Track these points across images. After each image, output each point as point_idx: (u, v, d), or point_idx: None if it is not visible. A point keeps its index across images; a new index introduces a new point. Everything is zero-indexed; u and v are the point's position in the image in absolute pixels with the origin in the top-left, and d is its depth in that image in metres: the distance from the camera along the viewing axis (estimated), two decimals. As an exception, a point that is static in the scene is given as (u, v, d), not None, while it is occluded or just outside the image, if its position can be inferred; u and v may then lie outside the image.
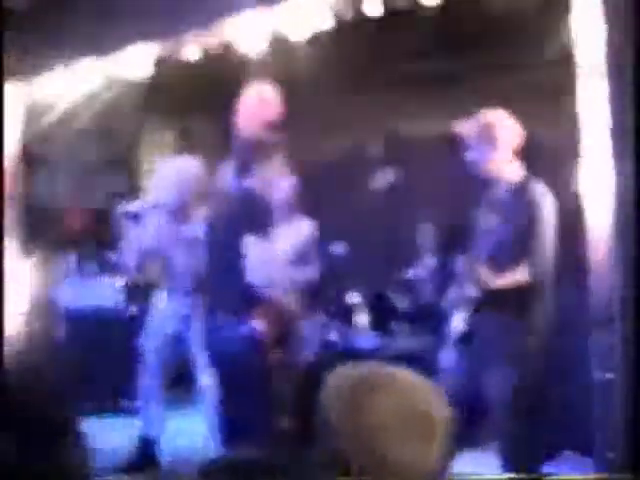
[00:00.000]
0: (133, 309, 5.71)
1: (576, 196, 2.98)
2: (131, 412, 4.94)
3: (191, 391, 4.67)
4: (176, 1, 4.01)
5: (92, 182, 6.64)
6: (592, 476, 3.11)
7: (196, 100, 5.95)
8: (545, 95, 4.31)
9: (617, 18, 2.86)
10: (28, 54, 4.29)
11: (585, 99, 2.95)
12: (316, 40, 3.75)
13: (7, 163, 4.44)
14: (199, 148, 5.23)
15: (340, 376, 1.45)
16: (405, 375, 1.45)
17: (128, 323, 5.43)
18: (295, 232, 4.63)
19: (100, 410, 5.26)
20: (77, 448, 2.36)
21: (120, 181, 6.74)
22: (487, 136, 3.51)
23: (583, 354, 2.95)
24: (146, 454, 4.55)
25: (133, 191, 6.27)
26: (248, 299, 4.03)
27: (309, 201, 5.08)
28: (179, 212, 4.56)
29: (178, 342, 4.53)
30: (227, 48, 3.91)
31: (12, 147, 4.53)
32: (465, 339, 3.46)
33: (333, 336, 5.09)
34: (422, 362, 4.08)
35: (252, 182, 4.20)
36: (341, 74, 4.98)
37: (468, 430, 3.52)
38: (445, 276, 3.77)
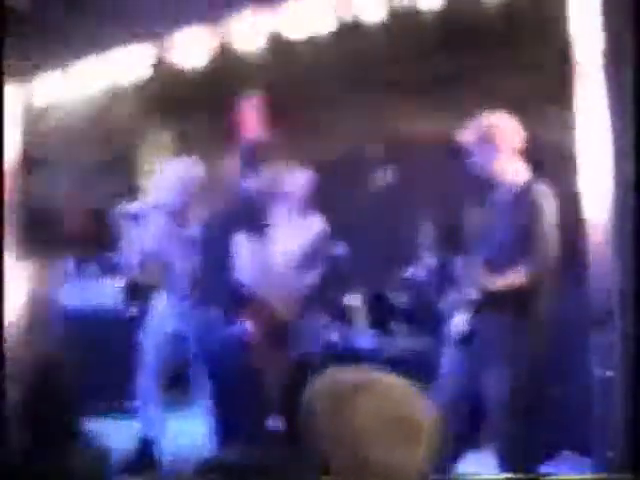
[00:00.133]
0: (133, 310, 5.71)
1: (576, 195, 2.98)
2: (130, 413, 4.94)
3: (190, 392, 4.68)
4: (176, 3, 4.02)
5: (92, 183, 6.63)
6: (591, 476, 3.11)
7: (195, 101, 5.95)
8: (545, 95, 4.31)
9: (616, 18, 2.86)
10: (28, 55, 4.30)
11: (585, 99, 2.96)
12: (316, 41, 3.75)
13: (7, 164, 4.44)
14: (198, 149, 5.23)
15: (324, 380, 1.45)
16: (389, 379, 1.45)
17: (127, 323, 5.43)
18: (306, 229, 4.67)
19: (100, 411, 5.26)
20: (83, 449, 2.37)
21: (120, 182, 6.73)
22: (489, 139, 3.51)
23: (582, 353, 2.95)
24: (145, 455, 4.55)
25: (133, 192, 6.27)
26: (239, 299, 4.03)
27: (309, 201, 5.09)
28: (179, 213, 4.56)
29: (177, 342, 4.54)
30: (227, 49, 3.91)
31: (12, 148, 4.54)
32: (465, 340, 3.45)
33: (332, 336, 5.09)
34: (421, 362, 4.09)
35: (254, 182, 4.20)
36: (341, 74, 4.99)
37: (468, 430, 3.53)
38: (445, 277, 3.77)
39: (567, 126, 3.08)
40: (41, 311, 5.14)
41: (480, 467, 3.62)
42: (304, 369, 4.10)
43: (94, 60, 4.27)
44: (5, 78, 4.22)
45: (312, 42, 3.77)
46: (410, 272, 5.36)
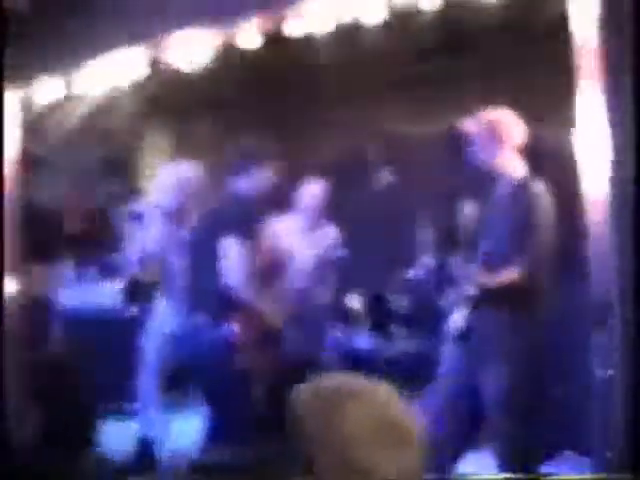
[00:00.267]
0: (133, 310, 5.71)
1: (576, 194, 2.99)
2: (130, 414, 4.94)
3: (189, 393, 4.68)
4: (175, 4, 4.02)
5: (92, 184, 6.64)
6: (591, 476, 3.12)
7: (195, 102, 5.95)
8: (545, 95, 4.31)
9: (616, 19, 2.87)
10: (28, 56, 4.30)
11: (585, 98, 2.97)
12: (317, 41, 3.76)
13: (7, 164, 4.44)
14: (198, 150, 5.24)
15: (313, 385, 1.46)
16: (376, 386, 1.46)
17: (127, 324, 5.43)
18: (320, 239, 4.76)
19: (100, 412, 5.26)
20: (89, 449, 2.38)
21: (119, 183, 6.74)
22: (492, 133, 3.52)
23: (583, 353, 2.96)
24: (145, 455, 4.55)
25: (133, 193, 6.28)
26: (227, 303, 4.03)
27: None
28: (178, 215, 4.57)
29: (176, 344, 4.54)
30: (226, 49, 3.91)
31: (12, 148, 4.54)
32: (463, 336, 3.45)
33: (332, 337, 5.10)
34: (421, 363, 4.10)
35: (245, 183, 4.20)
36: (342, 74, 4.99)
37: (468, 429, 3.53)
38: (443, 275, 3.77)
39: (567, 125, 3.09)
40: (41, 312, 5.15)
41: (480, 467, 3.62)
42: (300, 371, 4.10)
43: (94, 61, 4.27)
44: (5, 79, 4.22)
45: (312, 42, 3.77)
46: (410, 273, 5.37)
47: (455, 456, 3.49)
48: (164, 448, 4.58)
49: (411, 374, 3.84)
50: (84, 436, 4.65)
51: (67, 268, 6.19)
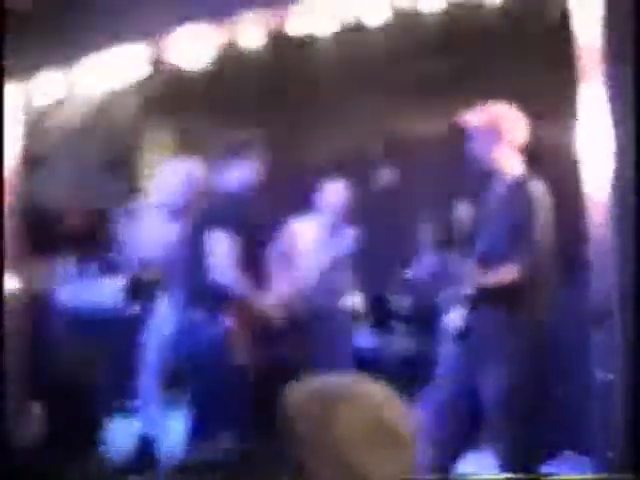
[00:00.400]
0: (134, 309, 5.71)
1: (577, 193, 2.98)
2: (131, 412, 4.94)
3: (186, 390, 4.67)
4: (177, 2, 4.02)
5: (93, 182, 6.64)
6: (592, 476, 3.11)
7: (197, 101, 5.95)
8: (546, 94, 4.31)
9: (617, 18, 2.86)
10: (29, 54, 4.29)
11: (586, 99, 2.96)
12: (318, 41, 3.75)
13: (7, 163, 4.44)
14: (199, 149, 5.23)
15: (304, 388, 1.45)
16: (371, 386, 1.45)
17: (128, 323, 5.43)
18: (340, 240, 4.81)
19: (102, 411, 5.26)
20: (90, 449, 2.37)
21: (121, 181, 6.74)
22: (491, 128, 3.49)
23: (583, 354, 2.95)
24: (145, 454, 4.55)
25: (133, 191, 6.27)
26: (222, 298, 4.02)
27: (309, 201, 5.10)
28: (180, 213, 4.57)
29: (177, 341, 4.53)
30: (228, 48, 3.91)
31: (13, 146, 4.54)
32: (461, 336, 3.45)
33: (333, 335, 5.09)
34: (421, 361, 4.09)
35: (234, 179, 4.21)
36: (342, 74, 4.99)
37: (468, 429, 3.52)
38: (442, 274, 3.76)
39: (569, 125, 3.08)
40: (42, 311, 5.15)
41: (480, 467, 3.61)
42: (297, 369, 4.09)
43: (95, 59, 4.27)
44: (6, 77, 4.22)
45: (314, 42, 3.76)
46: (410, 272, 5.37)
47: (455, 456, 3.49)
48: (164, 446, 4.59)
49: (411, 374, 3.84)
50: (85, 435, 4.65)
51: (68, 266, 6.19)
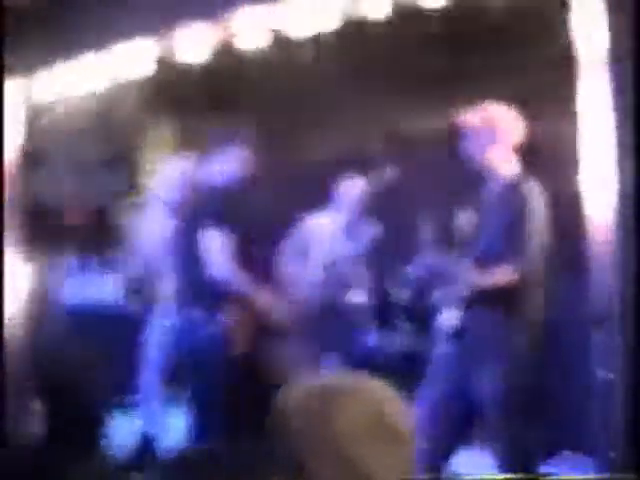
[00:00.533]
0: (134, 306, 5.71)
1: (577, 194, 2.97)
2: (132, 408, 4.95)
3: (186, 387, 4.68)
4: (177, -1, 4.02)
5: (93, 180, 6.63)
6: (594, 476, 3.11)
7: (197, 98, 5.94)
8: (546, 95, 4.29)
9: (618, 17, 2.85)
10: (29, 52, 4.29)
11: (586, 98, 2.95)
12: (317, 39, 3.74)
13: (7, 162, 4.44)
14: (199, 146, 5.22)
15: (302, 386, 1.45)
16: (369, 382, 1.44)
17: (129, 320, 5.43)
18: (360, 235, 4.83)
19: (103, 408, 5.26)
20: (92, 446, 2.36)
21: (122, 178, 6.74)
22: (487, 128, 3.49)
23: (584, 353, 2.95)
24: (146, 451, 4.56)
25: (134, 188, 6.28)
26: (219, 296, 4.02)
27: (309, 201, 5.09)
28: (179, 209, 4.57)
29: (177, 338, 4.53)
30: (229, 46, 3.90)
31: (13, 146, 4.53)
32: (456, 336, 3.45)
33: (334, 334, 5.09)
34: (420, 360, 4.08)
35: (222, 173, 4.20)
36: (341, 74, 4.98)
37: (464, 429, 3.52)
38: (440, 273, 3.75)
39: (569, 125, 3.07)
40: (43, 308, 5.15)
41: (478, 467, 3.61)
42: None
43: (95, 57, 4.26)
44: (6, 75, 4.21)
45: (313, 41, 3.76)
46: (410, 270, 5.37)
47: (447, 455, 3.48)
48: (165, 443, 4.60)
49: (408, 371, 3.84)
50: (86, 433, 4.64)
51: (69, 264, 6.20)
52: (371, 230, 5.09)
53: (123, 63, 4.22)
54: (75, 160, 6.45)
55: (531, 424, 3.37)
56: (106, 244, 5.90)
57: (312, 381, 1.45)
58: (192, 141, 6.22)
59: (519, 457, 3.33)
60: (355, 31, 3.70)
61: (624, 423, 2.78)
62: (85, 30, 4.22)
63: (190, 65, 4.12)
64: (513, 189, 3.41)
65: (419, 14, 3.49)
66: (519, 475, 3.26)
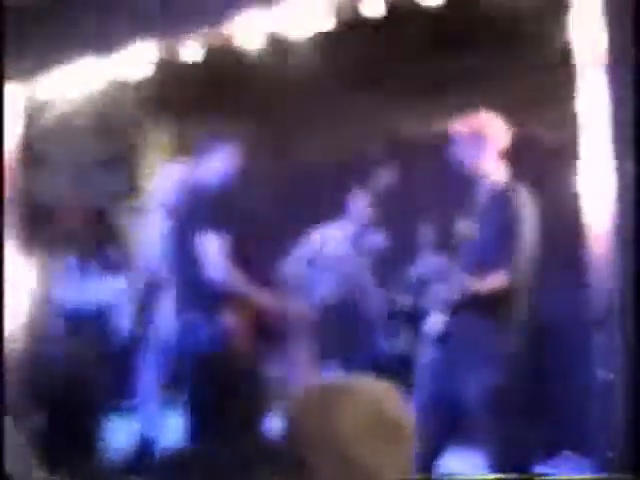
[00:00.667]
0: (134, 307, 5.71)
1: (576, 196, 2.98)
2: (130, 411, 4.94)
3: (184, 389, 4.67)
4: (177, 1, 4.02)
5: (92, 181, 6.63)
6: (592, 476, 3.11)
7: (196, 101, 5.94)
8: (545, 95, 4.31)
9: (617, 18, 2.86)
10: (29, 53, 4.29)
11: (585, 99, 2.96)
12: (316, 40, 3.75)
13: (7, 162, 4.44)
14: (197, 149, 5.22)
15: (304, 387, 1.46)
16: (370, 382, 1.45)
17: (128, 321, 5.43)
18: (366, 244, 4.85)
19: (102, 411, 5.26)
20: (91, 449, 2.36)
21: (120, 180, 6.74)
22: (475, 136, 3.53)
23: (583, 354, 2.95)
24: (145, 453, 4.55)
25: (133, 191, 6.28)
26: (218, 295, 4.02)
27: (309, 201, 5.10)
28: (177, 212, 4.56)
29: (177, 340, 4.53)
30: (227, 48, 3.91)
31: (12, 146, 4.53)
32: (443, 340, 3.47)
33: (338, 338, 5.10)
34: (408, 362, 4.09)
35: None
36: (341, 74, 4.98)
37: (457, 429, 3.52)
38: (436, 276, 3.77)
39: (568, 127, 3.08)
40: (42, 309, 5.14)
41: (472, 467, 3.62)
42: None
43: (95, 58, 4.27)
44: (6, 75, 4.21)
45: (312, 41, 3.76)
46: (410, 272, 5.38)
47: (437, 454, 3.49)
48: (163, 446, 4.59)
49: (406, 374, 3.84)
50: (84, 435, 4.63)
51: (69, 265, 6.19)
52: (376, 237, 5.12)
53: (123, 64, 4.23)
54: (75, 161, 6.45)
55: (522, 424, 3.38)
56: (105, 246, 5.90)
57: (312, 384, 1.46)
58: (190, 143, 6.24)
59: (510, 457, 3.34)
60: (353, 32, 3.72)
61: (623, 423, 2.78)
62: (85, 31, 4.23)
63: (189, 67, 4.13)
64: (505, 195, 3.45)
65: (416, 14, 3.50)
66: (512, 475, 3.27)
